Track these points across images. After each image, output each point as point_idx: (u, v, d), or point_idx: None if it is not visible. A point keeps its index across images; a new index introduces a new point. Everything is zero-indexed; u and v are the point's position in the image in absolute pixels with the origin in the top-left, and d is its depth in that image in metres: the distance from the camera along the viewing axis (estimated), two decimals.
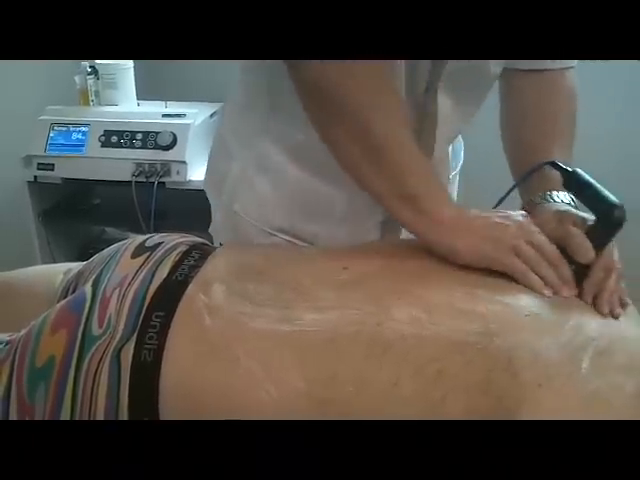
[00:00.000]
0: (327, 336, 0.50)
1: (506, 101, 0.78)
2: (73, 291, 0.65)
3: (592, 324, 0.50)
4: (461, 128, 0.80)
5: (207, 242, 0.68)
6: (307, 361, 0.49)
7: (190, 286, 0.56)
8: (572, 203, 0.63)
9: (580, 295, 0.55)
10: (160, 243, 0.62)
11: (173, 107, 1.77)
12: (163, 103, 1.81)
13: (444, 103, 0.70)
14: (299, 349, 0.50)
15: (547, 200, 0.64)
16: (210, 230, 0.87)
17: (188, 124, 1.62)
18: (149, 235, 0.66)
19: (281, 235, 0.77)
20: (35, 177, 1.70)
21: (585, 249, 0.56)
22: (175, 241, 0.63)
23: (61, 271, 0.71)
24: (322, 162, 0.68)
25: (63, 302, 0.59)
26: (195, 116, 1.66)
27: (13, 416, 0.52)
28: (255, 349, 0.51)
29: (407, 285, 0.55)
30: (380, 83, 0.60)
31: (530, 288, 0.54)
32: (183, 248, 0.62)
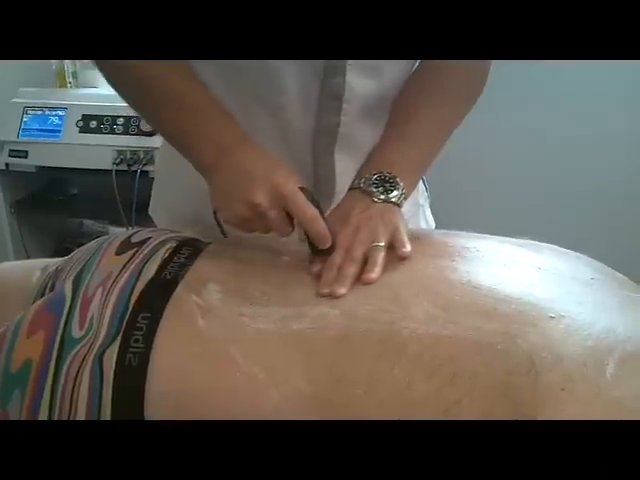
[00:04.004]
0: (336, 334, 0.50)
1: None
2: (51, 289, 0.64)
3: (622, 326, 0.49)
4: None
5: (198, 237, 0.67)
6: (313, 361, 0.49)
7: (180, 285, 0.55)
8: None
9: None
10: (147, 239, 0.61)
11: None
12: None
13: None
14: (305, 348, 0.50)
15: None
16: (149, 211, 0.90)
17: None
18: (135, 230, 0.65)
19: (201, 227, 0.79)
20: (7, 165, 1.70)
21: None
22: (164, 236, 0.63)
23: (38, 267, 0.70)
24: None
25: (40, 302, 0.58)
26: None
27: None
28: (256, 351, 0.50)
29: (425, 280, 0.55)
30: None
31: None
32: (172, 244, 0.61)
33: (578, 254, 0.61)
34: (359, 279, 0.56)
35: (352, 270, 0.57)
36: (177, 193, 0.82)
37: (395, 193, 0.65)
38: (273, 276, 0.57)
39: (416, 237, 0.62)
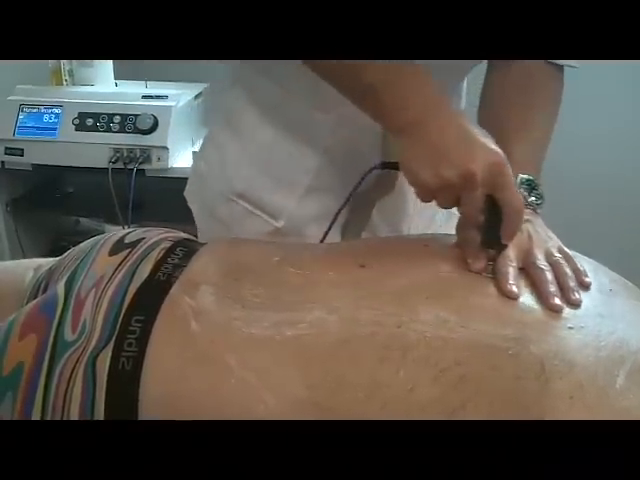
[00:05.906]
0: (336, 338, 0.49)
1: (487, 77, 0.76)
2: (44, 290, 0.64)
3: (635, 337, 0.49)
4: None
5: (193, 237, 0.67)
6: (312, 366, 0.48)
7: (174, 287, 0.55)
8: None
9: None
10: (141, 239, 0.61)
11: (154, 88, 1.75)
12: (143, 83, 1.79)
13: None
14: (303, 353, 0.49)
15: None
16: (185, 193, 0.89)
17: (170, 106, 1.60)
18: (129, 230, 0.64)
19: (242, 202, 0.78)
20: (2, 163, 1.68)
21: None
22: (158, 237, 0.62)
23: (31, 267, 0.70)
24: (297, 121, 0.71)
25: (33, 303, 0.58)
26: (178, 98, 1.64)
27: None
28: (249, 357, 0.49)
29: (438, 284, 0.54)
30: None
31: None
32: (166, 245, 0.60)
33: (592, 260, 0.61)
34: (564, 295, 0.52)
35: (550, 276, 0.53)
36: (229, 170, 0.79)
37: (541, 201, 0.63)
38: (265, 278, 0.56)
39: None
